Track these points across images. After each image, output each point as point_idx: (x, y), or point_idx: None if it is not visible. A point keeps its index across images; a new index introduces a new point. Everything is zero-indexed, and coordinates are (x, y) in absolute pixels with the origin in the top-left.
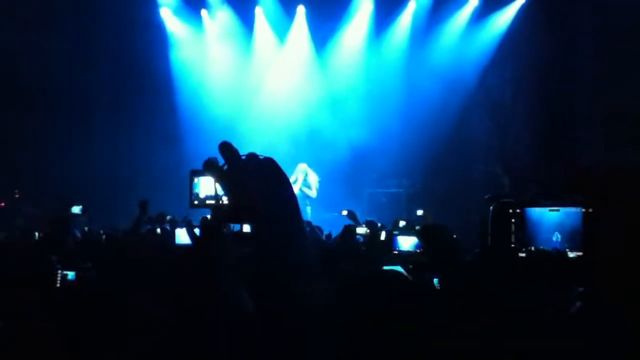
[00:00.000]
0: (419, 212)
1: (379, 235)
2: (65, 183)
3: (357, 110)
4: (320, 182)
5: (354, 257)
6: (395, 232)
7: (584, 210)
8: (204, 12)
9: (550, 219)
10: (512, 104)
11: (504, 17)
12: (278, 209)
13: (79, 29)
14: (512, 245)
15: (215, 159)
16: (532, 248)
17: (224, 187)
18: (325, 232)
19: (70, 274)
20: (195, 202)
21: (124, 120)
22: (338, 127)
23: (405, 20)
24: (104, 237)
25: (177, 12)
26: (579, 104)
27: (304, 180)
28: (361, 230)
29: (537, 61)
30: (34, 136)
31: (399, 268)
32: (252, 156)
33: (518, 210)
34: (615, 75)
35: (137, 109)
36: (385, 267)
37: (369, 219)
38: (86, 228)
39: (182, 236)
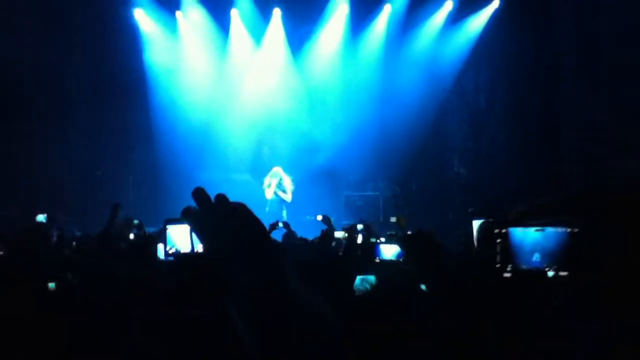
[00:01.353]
0: (392, 219)
1: (356, 238)
2: (40, 185)
3: (334, 113)
4: (294, 185)
5: (331, 265)
6: (374, 240)
7: (569, 230)
8: (178, 13)
9: (533, 239)
10: (487, 107)
11: (478, 21)
12: (246, 256)
13: (53, 28)
14: (497, 265)
15: (193, 207)
16: (509, 267)
17: (198, 236)
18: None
19: (51, 285)
20: (170, 252)
21: (100, 122)
22: (314, 130)
23: (380, 23)
24: (74, 244)
25: (150, 13)
26: (555, 106)
27: (279, 184)
28: (338, 234)
29: (510, 65)
30: (6, 139)
31: (368, 278)
32: (221, 200)
33: (503, 230)
34: (591, 79)
35: (112, 110)
36: (358, 276)
37: (345, 222)
38: (54, 235)
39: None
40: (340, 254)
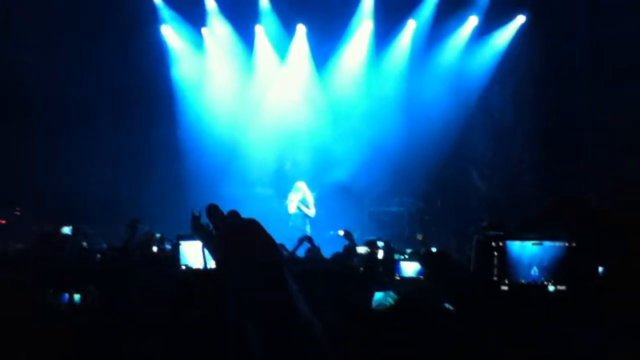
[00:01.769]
0: (419, 237)
1: (377, 253)
2: (66, 199)
3: (358, 129)
4: (316, 200)
5: (352, 280)
6: (398, 256)
7: (567, 244)
8: (204, 30)
9: (531, 253)
10: (514, 124)
11: (504, 36)
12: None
13: (81, 44)
14: (495, 278)
15: (207, 223)
16: (507, 281)
17: (210, 252)
18: (326, 252)
19: (76, 297)
20: (183, 267)
21: (125, 136)
22: (339, 146)
23: (405, 39)
24: (98, 256)
25: (177, 29)
26: (580, 121)
27: (303, 198)
28: (361, 250)
29: (536, 79)
30: (33, 152)
31: (390, 293)
32: (234, 216)
33: (500, 244)
34: (615, 90)
35: (138, 125)
36: (381, 292)
37: (369, 238)
38: (84, 244)
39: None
40: (362, 269)
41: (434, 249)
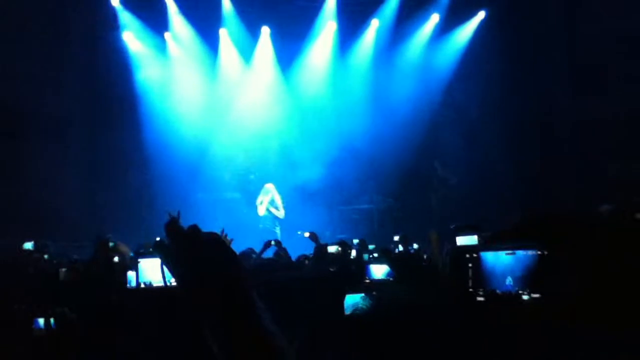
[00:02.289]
0: (395, 238)
1: (350, 254)
2: (39, 210)
3: (325, 128)
4: (286, 200)
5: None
6: (366, 257)
7: (539, 252)
8: (167, 34)
9: (504, 263)
10: (479, 117)
11: (465, 33)
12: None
13: (47, 52)
14: (470, 290)
15: (164, 240)
16: (481, 291)
17: (169, 268)
18: (294, 254)
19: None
20: (142, 286)
21: (93, 145)
22: (307, 145)
23: (369, 38)
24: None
25: (140, 34)
26: (547, 114)
27: (272, 200)
28: (332, 249)
29: (499, 74)
30: (3, 162)
31: (363, 296)
32: (193, 232)
33: (474, 255)
34: (582, 85)
35: (105, 134)
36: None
37: (340, 237)
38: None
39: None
40: (332, 270)
41: (416, 245)
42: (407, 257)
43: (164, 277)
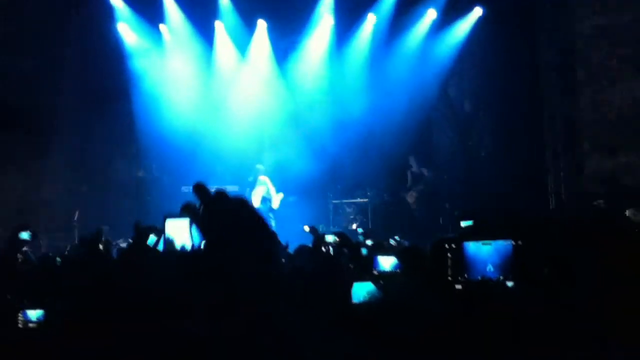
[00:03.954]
0: (395, 239)
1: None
2: (29, 202)
3: (320, 122)
4: (280, 193)
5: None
6: (365, 251)
7: (513, 243)
8: (162, 26)
9: (485, 252)
10: (473, 113)
11: (461, 29)
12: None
13: (39, 45)
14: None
15: (193, 203)
16: (460, 278)
17: (199, 230)
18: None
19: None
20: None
21: (84, 136)
22: (301, 139)
23: (365, 33)
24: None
25: (135, 26)
26: (539, 110)
27: (266, 192)
28: (329, 238)
29: (494, 71)
30: None
31: (371, 285)
32: (221, 195)
33: (453, 245)
34: (575, 83)
35: (97, 124)
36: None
37: (334, 229)
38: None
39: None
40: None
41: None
42: (415, 250)
43: (192, 237)
